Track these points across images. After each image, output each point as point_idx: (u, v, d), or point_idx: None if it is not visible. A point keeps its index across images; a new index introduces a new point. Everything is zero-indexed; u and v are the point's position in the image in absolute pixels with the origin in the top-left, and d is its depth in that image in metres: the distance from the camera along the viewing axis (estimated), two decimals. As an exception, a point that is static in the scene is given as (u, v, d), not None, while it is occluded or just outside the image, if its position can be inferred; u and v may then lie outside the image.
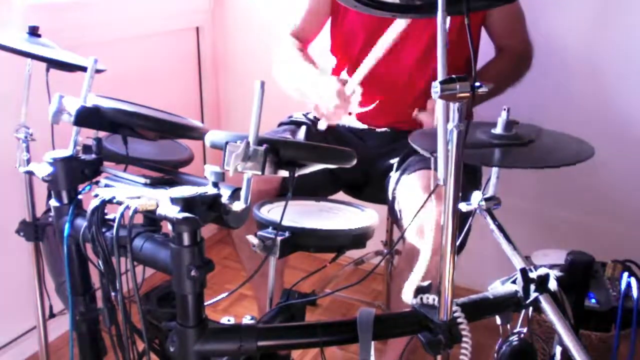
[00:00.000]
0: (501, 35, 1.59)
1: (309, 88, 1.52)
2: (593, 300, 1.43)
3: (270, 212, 1.16)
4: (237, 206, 0.82)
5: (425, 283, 0.95)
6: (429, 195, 1.01)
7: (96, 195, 0.94)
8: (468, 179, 0.84)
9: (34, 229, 1.30)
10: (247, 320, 0.91)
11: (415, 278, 1.30)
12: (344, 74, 1.55)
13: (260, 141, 0.80)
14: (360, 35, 1.57)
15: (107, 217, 0.94)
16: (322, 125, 1.52)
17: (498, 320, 1.09)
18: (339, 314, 2.05)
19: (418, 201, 1.32)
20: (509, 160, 1.05)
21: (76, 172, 1.03)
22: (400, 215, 1.40)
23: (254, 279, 0.98)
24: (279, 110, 1.62)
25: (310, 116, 1.66)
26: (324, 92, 1.44)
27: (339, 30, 1.63)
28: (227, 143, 0.80)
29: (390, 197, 1.46)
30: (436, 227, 1.26)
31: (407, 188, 1.39)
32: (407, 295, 0.97)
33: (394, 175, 1.47)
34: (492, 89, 0.87)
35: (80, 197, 1.04)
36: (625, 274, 1.47)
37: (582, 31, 1.83)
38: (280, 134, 1.58)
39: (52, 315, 1.37)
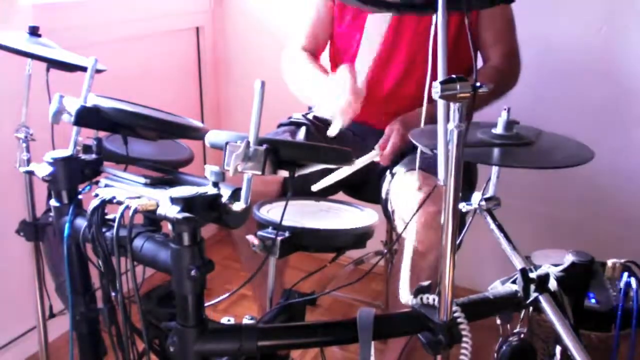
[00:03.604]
0: (488, 44, 1.55)
1: (316, 87, 1.52)
2: (593, 300, 1.42)
3: (270, 212, 1.16)
4: (237, 206, 0.82)
5: (426, 283, 0.95)
6: (427, 197, 1.01)
7: (96, 195, 0.94)
8: (464, 178, 0.84)
9: (34, 229, 1.30)
10: (247, 320, 0.91)
11: (404, 277, 1.31)
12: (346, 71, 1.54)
13: (260, 141, 0.80)
14: (354, 45, 1.58)
15: (107, 217, 0.94)
16: (332, 131, 1.48)
17: (498, 320, 1.09)
18: (339, 314, 2.05)
19: (408, 201, 1.32)
20: (508, 160, 1.05)
21: (76, 172, 1.03)
22: (393, 215, 1.40)
23: (254, 279, 0.98)
24: (279, 112, 1.62)
25: (310, 117, 1.66)
26: (336, 87, 1.42)
27: (335, 39, 1.64)
28: (227, 143, 0.80)
29: (383, 198, 1.46)
30: (423, 227, 1.26)
31: (399, 188, 1.40)
32: (403, 297, 0.97)
33: (387, 175, 1.48)
34: None
35: (80, 197, 1.04)
36: (625, 274, 1.47)
37: (583, 32, 1.83)
38: (279, 135, 1.58)
39: (52, 315, 1.37)
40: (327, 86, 1.46)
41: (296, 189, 0.91)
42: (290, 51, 1.69)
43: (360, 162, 1.40)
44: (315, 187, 1.37)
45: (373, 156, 1.44)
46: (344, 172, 1.38)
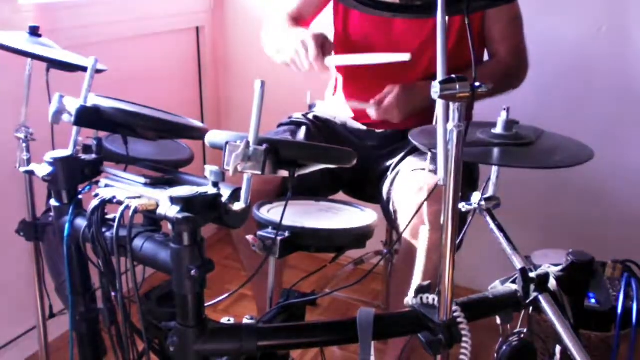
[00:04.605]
0: (494, 39, 1.55)
1: (286, 39, 1.50)
2: (593, 300, 1.43)
3: (270, 212, 1.16)
4: (237, 206, 0.82)
5: (425, 283, 0.95)
6: (428, 196, 1.01)
7: (96, 195, 0.94)
8: (465, 178, 0.84)
9: (34, 229, 1.30)
10: (247, 320, 0.91)
11: (416, 280, 1.31)
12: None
13: (260, 141, 0.80)
14: (361, 32, 1.58)
15: (107, 217, 0.94)
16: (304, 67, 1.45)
17: (498, 320, 1.09)
18: (339, 314, 2.05)
19: (412, 201, 1.32)
20: (508, 160, 1.05)
21: (76, 172, 1.03)
22: (396, 215, 1.40)
23: (254, 278, 0.98)
24: (279, 112, 1.62)
25: (310, 116, 1.66)
26: (300, 35, 1.41)
27: (340, 28, 1.64)
28: (227, 143, 0.80)
29: (385, 198, 1.46)
30: (430, 226, 1.26)
31: (402, 188, 1.39)
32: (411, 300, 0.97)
33: (389, 176, 1.48)
34: None
35: (80, 197, 1.04)
36: (626, 274, 1.47)
37: (582, 31, 1.84)
38: (280, 135, 1.58)
39: (52, 315, 1.37)
40: (294, 37, 1.45)
41: (295, 189, 0.91)
42: (271, 16, 1.68)
43: (352, 105, 1.45)
44: (328, 60, 1.38)
45: (367, 107, 1.45)
46: (356, 60, 1.40)
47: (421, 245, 1.29)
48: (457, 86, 0.77)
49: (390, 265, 1.90)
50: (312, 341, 0.92)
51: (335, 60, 1.41)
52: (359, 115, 1.63)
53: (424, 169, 1.34)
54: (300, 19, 1.66)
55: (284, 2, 1.68)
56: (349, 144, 1.60)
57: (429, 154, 1.06)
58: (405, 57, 1.30)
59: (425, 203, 1.19)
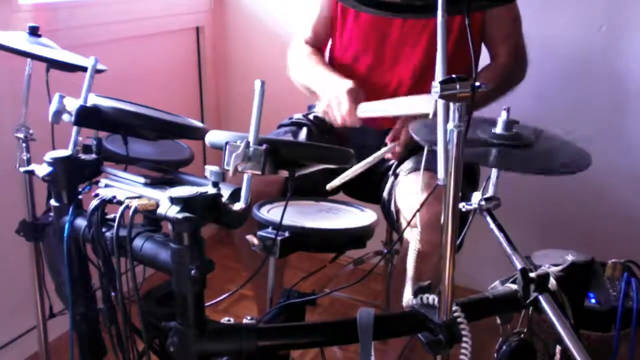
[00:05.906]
0: (495, 40, 1.56)
1: (319, 87, 1.53)
2: (593, 300, 1.43)
3: (270, 212, 1.16)
4: (237, 206, 0.82)
5: (425, 283, 0.95)
6: (429, 195, 1.01)
7: (96, 195, 0.94)
8: (466, 178, 0.84)
9: (34, 229, 1.30)
10: (247, 320, 0.91)
11: (408, 278, 1.31)
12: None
13: (260, 141, 0.80)
14: (356, 46, 1.58)
15: (107, 217, 0.94)
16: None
17: (498, 320, 1.09)
18: (339, 314, 2.05)
19: (415, 200, 1.32)
20: (507, 161, 1.05)
21: (76, 172, 1.03)
22: (397, 215, 1.40)
23: (254, 279, 0.98)
24: (279, 112, 1.62)
25: (311, 117, 1.66)
26: (334, 89, 1.43)
27: (337, 40, 1.64)
28: (227, 143, 0.80)
29: (386, 198, 1.46)
30: (427, 226, 1.25)
31: (405, 188, 1.39)
32: (407, 300, 0.97)
33: (390, 176, 1.47)
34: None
35: (80, 197, 1.04)
36: (626, 274, 1.47)
37: (582, 31, 1.84)
38: (281, 136, 1.58)
39: (52, 315, 1.37)
40: (326, 88, 1.47)
41: (297, 189, 0.90)
42: (294, 47, 1.70)
43: (372, 158, 1.40)
44: (330, 186, 1.38)
45: (386, 151, 1.44)
46: (357, 168, 1.38)
47: (410, 255, 1.29)
48: (458, 86, 0.77)
49: (390, 265, 1.90)
50: (312, 341, 0.92)
51: (365, 111, 1.41)
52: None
53: (427, 169, 1.35)
54: (318, 44, 1.69)
55: (300, 29, 1.71)
56: (350, 143, 1.59)
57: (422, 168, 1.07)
58: (427, 109, 1.29)
59: (429, 204, 1.19)
